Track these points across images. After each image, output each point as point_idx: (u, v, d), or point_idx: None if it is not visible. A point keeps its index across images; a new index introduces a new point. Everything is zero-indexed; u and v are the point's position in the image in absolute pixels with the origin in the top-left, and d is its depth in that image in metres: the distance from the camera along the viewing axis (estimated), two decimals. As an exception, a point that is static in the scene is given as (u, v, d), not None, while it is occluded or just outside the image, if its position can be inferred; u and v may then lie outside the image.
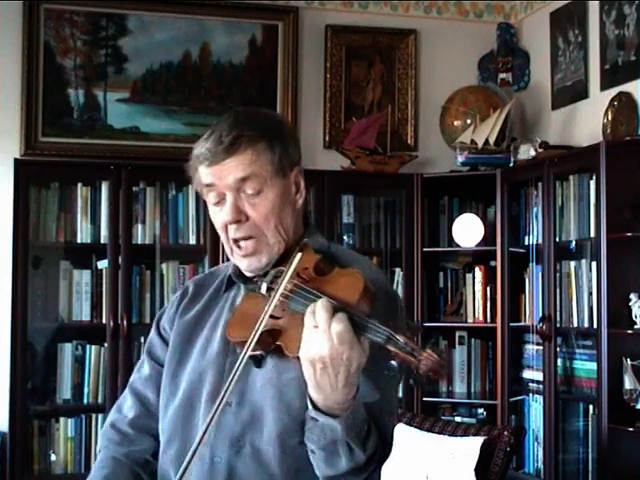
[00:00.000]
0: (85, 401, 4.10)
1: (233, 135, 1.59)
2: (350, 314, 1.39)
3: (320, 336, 1.37)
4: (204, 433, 1.45)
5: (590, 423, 3.78)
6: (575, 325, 3.85)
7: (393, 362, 1.35)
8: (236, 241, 1.63)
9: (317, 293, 1.46)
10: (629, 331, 3.52)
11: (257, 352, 1.51)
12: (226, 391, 1.46)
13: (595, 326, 3.64)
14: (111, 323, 4.03)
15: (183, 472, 1.44)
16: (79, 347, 4.13)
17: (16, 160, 4.04)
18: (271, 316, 1.50)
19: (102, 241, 4.12)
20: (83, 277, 4.12)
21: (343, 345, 1.36)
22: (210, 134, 1.63)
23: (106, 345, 4.08)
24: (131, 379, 1.81)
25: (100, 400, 4.09)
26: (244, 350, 1.47)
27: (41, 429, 4.06)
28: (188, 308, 1.77)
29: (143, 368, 1.80)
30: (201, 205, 4.23)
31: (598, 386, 3.57)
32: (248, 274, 1.67)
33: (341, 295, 1.43)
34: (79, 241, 4.13)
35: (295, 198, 1.67)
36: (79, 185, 4.14)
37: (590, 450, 3.76)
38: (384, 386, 1.53)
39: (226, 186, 1.60)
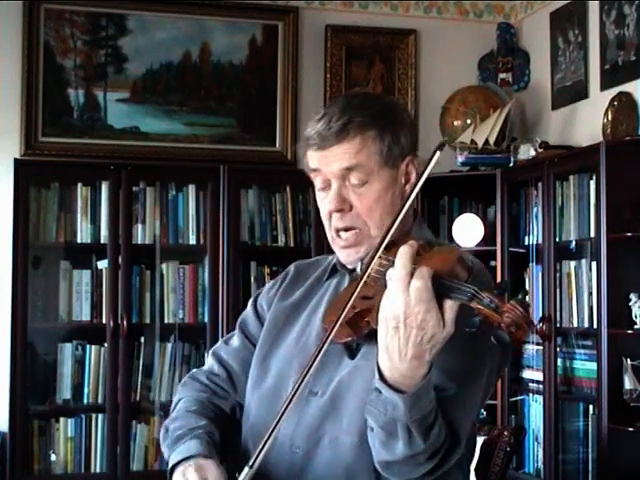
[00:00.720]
0: (85, 401, 4.10)
1: (343, 120, 1.54)
2: (435, 274, 1.32)
3: (396, 291, 1.31)
4: (280, 417, 1.40)
5: (590, 423, 3.78)
6: (575, 325, 3.85)
7: (475, 319, 1.27)
8: (337, 231, 1.58)
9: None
10: (629, 331, 3.52)
11: (349, 338, 1.46)
12: (304, 375, 1.40)
13: (595, 326, 3.64)
14: (111, 323, 4.03)
15: (256, 456, 1.40)
16: (79, 347, 4.13)
17: (16, 160, 4.04)
18: (364, 297, 1.43)
19: (102, 241, 4.11)
20: (83, 277, 4.12)
21: (420, 304, 1.29)
22: (322, 116, 1.57)
23: (106, 345, 4.07)
24: (214, 348, 1.79)
25: (100, 400, 4.09)
26: (329, 330, 1.41)
27: (41, 429, 4.06)
28: (288, 292, 1.73)
29: (232, 340, 1.77)
30: (201, 205, 4.23)
31: (598, 386, 3.57)
32: (349, 266, 1.62)
33: (433, 266, 1.35)
34: (79, 241, 4.13)
35: (404, 189, 1.60)
36: (79, 185, 4.14)
37: (590, 450, 3.76)
38: (465, 377, 1.46)
39: (331, 173, 1.56)
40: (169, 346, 4.19)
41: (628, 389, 3.49)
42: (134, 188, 4.16)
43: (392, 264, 1.39)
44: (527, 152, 4.17)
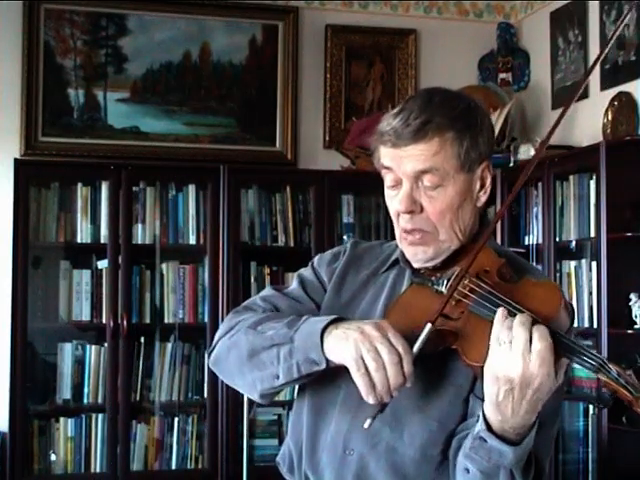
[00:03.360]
0: (85, 401, 4.10)
1: (421, 119, 1.47)
2: (554, 332, 1.26)
3: (515, 354, 1.25)
4: (435, 318, 1.35)
5: (590, 423, 3.78)
6: (575, 325, 3.83)
7: (605, 392, 1.24)
8: (405, 231, 1.52)
9: (508, 300, 1.34)
10: (629, 331, 3.52)
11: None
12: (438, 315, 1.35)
13: (595, 326, 3.64)
14: (111, 323, 4.03)
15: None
16: (79, 347, 4.13)
17: (16, 160, 4.04)
18: (445, 315, 1.39)
19: (102, 241, 4.11)
20: (83, 277, 4.12)
21: (540, 368, 1.25)
22: (399, 111, 1.51)
23: (106, 345, 4.07)
24: (266, 293, 1.66)
25: (100, 400, 4.09)
26: (416, 346, 1.36)
27: (41, 429, 4.06)
28: (341, 281, 1.64)
29: (289, 291, 1.66)
30: (201, 205, 4.23)
31: (598, 386, 3.57)
32: (414, 264, 1.56)
33: (535, 306, 1.31)
34: (79, 241, 4.13)
35: (478, 195, 1.53)
36: (79, 185, 4.14)
37: (590, 450, 3.76)
38: (549, 417, 1.43)
39: (404, 173, 1.49)
40: (169, 346, 4.19)
41: (628, 389, 3.49)
42: (134, 188, 4.16)
43: (484, 291, 1.35)
44: (527, 152, 4.17)
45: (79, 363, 4.11)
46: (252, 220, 4.28)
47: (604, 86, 4.00)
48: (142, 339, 4.15)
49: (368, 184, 4.58)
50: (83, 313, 4.11)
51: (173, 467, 4.16)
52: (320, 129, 4.57)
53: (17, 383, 3.93)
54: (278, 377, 1.46)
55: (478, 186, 1.52)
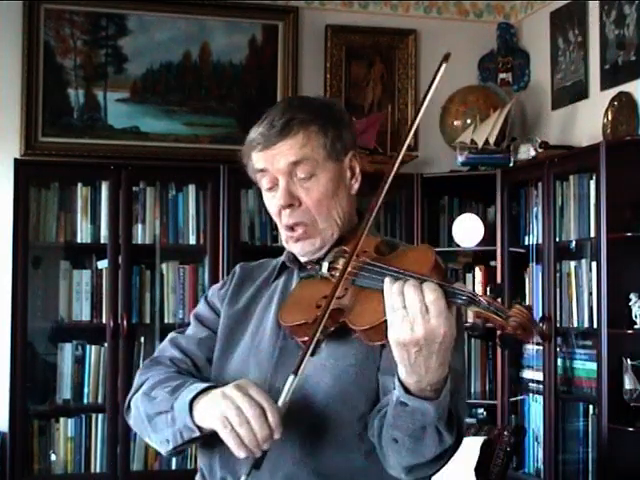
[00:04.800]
0: (85, 401, 4.10)
1: (285, 118, 1.58)
2: (437, 282, 1.32)
3: (413, 316, 1.29)
4: (297, 368, 1.40)
5: (590, 423, 3.78)
6: (575, 325, 3.85)
7: (477, 321, 1.29)
8: (289, 227, 1.62)
9: (386, 266, 1.42)
10: (629, 331, 3.52)
11: (316, 337, 1.46)
12: (297, 368, 1.40)
13: (595, 326, 3.64)
14: (111, 323, 4.03)
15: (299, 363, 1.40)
16: (79, 347, 4.13)
17: (16, 160, 4.04)
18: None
19: (102, 241, 4.11)
20: (83, 277, 4.12)
21: (440, 318, 1.29)
22: (263, 120, 1.62)
23: (106, 345, 4.07)
24: (171, 336, 1.75)
25: (100, 400, 4.09)
26: (315, 331, 1.41)
27: (41, 429, 4.06)
28: (235, 297, 1.74)
29: (188, 331, 1.75)
30: (201, 205, 4.23)
31: (598, 386, 3.57)
32: (302, 259, 1.65)
33: (412, 268, 1.37)
34: (79, 241, 4.13)
35: (350, 183, 1.66)
36: (79, 185, 4.14)
37: (590, 450, 3.76)
38: (460, 374, 1.50)
39: (278, 170, 1.59)
40: (169, 346, 4.19)
41: (628, 389, 3.49)
42: (134, 188, 4.16)
43: (366, 265, 1.43)
44: (527, 152, 4.17)
45: (79, 363, 4.11)
46: (252, 220, 4.28)
47: (604, 86, 4.00)
48: (142, 339, 4.15)
49: (368, 184, 4.61)
50: (83, 313, 4.11)
51: (173, 467, 4.16)
52: (320, 129, 4.56)
53: (17, 383, 3.93)
54: (168, 441, 1.55)
55: (349, 175, 1.66)
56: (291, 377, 1.40)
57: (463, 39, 4.73)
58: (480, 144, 4.33)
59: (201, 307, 1.79)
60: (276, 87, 4.49)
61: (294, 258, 1.68)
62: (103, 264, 4.12)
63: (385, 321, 1.35)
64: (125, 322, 4.03)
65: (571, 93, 4.26)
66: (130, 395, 1.69)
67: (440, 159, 4.61)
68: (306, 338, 1.46)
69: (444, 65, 1.53)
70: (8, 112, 4.18)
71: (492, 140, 4.32)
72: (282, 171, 1.59)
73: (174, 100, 4.40)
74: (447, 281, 1.36)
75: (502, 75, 4.69)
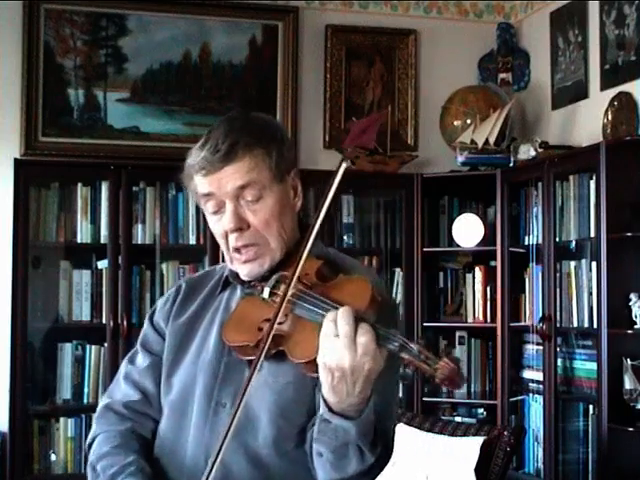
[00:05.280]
0: (85, 401, 4.10)
1: (229, 142, 1.57)
2: (370, 323, 1.38)
3: (342, 346, 1.35)
4: (222, 443, 1.43)
5: (590, 423, 3.78)
6: (575, 325, 3.85)
7: (408, 370, 1.34)
8: (237, 249, 1.61)
9: (324, 299, 1.45)
10: (629, 331, 3.52)
11: (254, 357, 1.51)
12: (240, 401, 1.44)
13: (595, 326, 3.64)
14: (111, 323, 4.04)
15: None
16: (79, 347, 4.13)
17: (16, 160, 4.04)
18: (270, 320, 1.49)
19: (102, 241, 4.12)
20: (83, 277, 4.12)
21: (366, 356, 1.35)
22: (204, 142, 1.60)
23: (106, 345, 4.08)
24: (124, 371, 1.78)
25: (100, 400, 4.08)
26: (258, 358, 1.45)
27: (41, 429, 4.06)
28: (182, 309, 1.76)
29: (137, 360, 1.78)
30: (201, 205, 4.23)
31: (598, 386, 3.57)
32: (244, 278, 1.66)
33: (349, 301, 1.42)
34: (79, 241, 4.13)
35: (294, 202, 1.68)
36: (79, 185, 4.14)
37: (590, 450, 3.76)
38: (388, 391, 1.54)
39: (225, 194, 1.58)
40: (169, 346, 4.19)
41: (628, 389, 3.49)
42: (134, 188, 4.16)
43: (304, 294, 1.47)
44: (527, 152, 4.17)
45: (79, 363, 4.12)
46: (252, 220, 4.27)
47: (604, 86, 4.00)
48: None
49: (368, 184, 4.62)
50: (83, 313, 4.11)
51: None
52: (320, 129, 4.57)
53: (17, 383, 3.93)
54: None
55: (292, 194, 1.67)
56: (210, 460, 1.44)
57: (463, 39, 4.73)
58: (480, 144, 4.33)
59: (146, 331, 1.80)
60: (276, 87, 4.49)
61: (237, 275, 1.68)
62: (103, 264, 4.12)
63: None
64: (125, 322, 4.03)
65: (571, 93, 4.26)
66: (87, 442, 1.74)
67: (440, 159, 4.61)
68: (248, 357, 1.52)
69: (344, 165, 1.56)
70: (8, 112, 4.18)
71: (492, 140, 4.32)
72: (229, 195, 1.58)
73: (174, 100, 4.40)
74: (387, 318, 1.42)
75: (502, 75, 4.69)
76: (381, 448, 1.48)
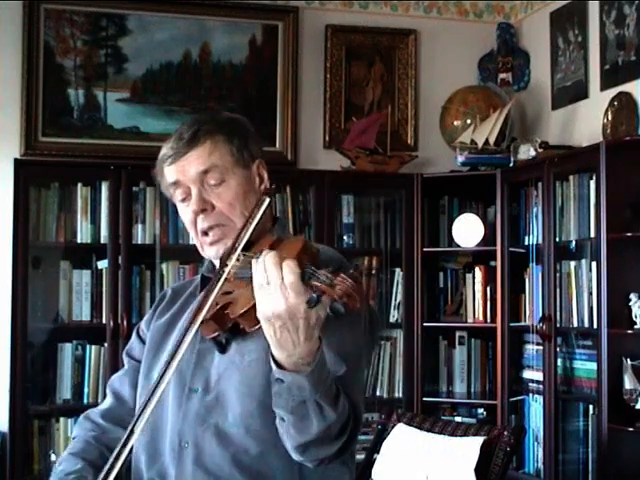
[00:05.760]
0: (85, 401, 4.10)
1: (192, 130, 1.68)
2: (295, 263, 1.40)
3: (274, 291, 1.37)
4: (143, 406, 1.45)
5: (590, 423, 3.78)
6: (575, 325, 3.85)
7: (314, 294, 1.35)
8: (205, 232, 1.68)
9: (257, 256, 1.48)
10: (629, 331, 3.52)
11: (216, 333, 1.57)
12: (172, 357, 1.46)
13: (595, 326, 3.64)
14: (111, 323, 4.04)
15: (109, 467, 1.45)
16: (79, 347, 4.13)
17: (16, 160, 4.04)
18: (225, 293, 1.53)
19: (102, 241, 4.11)
20: (83, 277, 4.12)
21: (299, 296, 1.35)
22: (172, 136, 1.72)
23: (106, 345, 4.08)
24: (110, 380, 1.91)
25: (100, 400, 4.08)
26: (189, 323, 1.49)
27: (41, 429, 4.06)
28: (164, 312, 1.84)
29: (123, 369, 1.90)
30: (201, 205, 4.23)
31: (598, 386, 3.57)
32: (216, 262, 1.71)
33: (285, 254, 1.44)
34: (79, 241, 4.13)
35: (260, 188, 1.73)
36: (79, 185, 4.14)
37: (590, 450, 3.76)
38: (352, 357, 1.56)
39: (190, 179, 1.68)
40: (169, 346, 4.19)
41: (628, 389, 3.49)
42: (134, 188, 4.16)
43: (252, 261, 1.48)
44: (527, 152, 4.17)
45: (79, 363, 4.12)
46: (252, 220, 4.27)
47: (604, 86, 4.00)
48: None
49: (368, 184, 4.62)
50: (83, 313, 4.11)
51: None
52: (320, 129, 4.57)
53: (17, 383, 3.93)
54: None
55: (257, 181, 1.74)
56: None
57: (463, 39, 4.73)
58: (480, 144, 4.33)
59: (132, 340, 1.91)
60: (276, 87, 4.49)
61: (212, 267, 1.75)
62: (103, 264, 4.12)
63: (254, 304, 1.43)
64: (125, 322, 4.03)
65: (571, 93, 4.26)
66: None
67: (440, 159, 4.61)
68: (211, 335, 1.57)
69: (267, 200, 1.60)
70: (8, 112, 4.18)
71: (492, 140, 4.32)
72: (193, 179, 1.67)
73: (174, 100, 4.40)
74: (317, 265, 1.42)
75: (502, 75, 4.69)
76: (347, 410, 1.49)
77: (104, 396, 4.21)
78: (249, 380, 1.59)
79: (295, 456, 1.53)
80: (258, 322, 1.44)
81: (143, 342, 1.85)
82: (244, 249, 1.62)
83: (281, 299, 1.36)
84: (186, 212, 1.71)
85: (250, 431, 1.59)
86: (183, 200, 1.72)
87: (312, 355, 1.41)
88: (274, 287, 1.37)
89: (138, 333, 1.89)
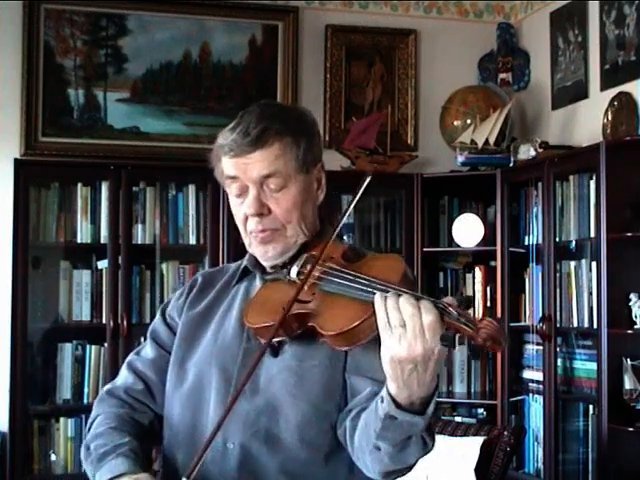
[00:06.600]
0: (85, 401, 4.09)
1: (260, 128, 1.59)
2: (430, 299, 1.32)
3: (412, 336, 1.29)
4: (221, 422, 1.42)
5: (590, 423, 3.78)
6: (575, 325, 3.84)
7: (448, 332, 1.29)
8: (255, 232, 1.63)
9: (355, 273, 1.44)
10: (629, 331, 3.52)
11: (280, 338, 1.51)
12: (248, 377, 1.43)
13: (595, 326, 3.64)
14: (111, 323, 4.03)
15: (198, 460, 1.41)
16: (79, 347, 4.13)
17: (16, 160, 4.04)
18: (297, 300, 1.47)
19: (102, 241, 4.11)
20: (83, 277, 4.12)
21: (435, 338, 1.28)
22: (236, 125, 1.63)
23: (106, 345, 4.08)
24: (128, 359, 1.82)
25: (100, 399, 4.09)
26: (270, 333, 1.44)
27: (41, 429, 4.06)
28: (196, 300, 1.76)
29: (144, 351, 1.80)
30: (201, 205, 4.23)
31: (598, 386, 3.57)
32: (265, 263, 1.67)
33: (382, 276, 1.39)
34: (79, 241, 4.13)
35: (317, 194, 1.69)
36: (79, 185, 4.14)
37: (590, 450, 3.76)
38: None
39: (249, 179, 1.60)
40: (169, 346, 4.19)
41: (628, 389, 3.49)
42: (134, 188, 4.16)
43: (333, 270, 1.45)
44: (527, 152, 4.17)
45: (79, 363, 4.11)
46: (252, 220, 4.27)
47: (604, 86, 4.00)
48: (142, 339, 4.14)
49: (368, 184, 4.61)
50: (83, 313, 4.11)
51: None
52: (320, 129, 4.56)
53: (17, 383, 3.93)
54: None
55: (315, 186, 1.68)
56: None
57: (463, 39, 4.73)
58: (480, 144, 4.33)
59: (157, 322, 1.81)
60: (276, 87, 4.49)
61: (257, 262, 1.69)
62: (103, 264, 4.12)
63: (353, 328, 1.38)
64: (125, 322, 4.03)
65: (571, 93, 4.26)
66: (87, 427, 1.73)
67: (440, 159, 4.61)
68: (280, 338, 1.51)
69: (369, 177, 1.62)
70: (8, 112, 4.17)
71: (492, 140, 4.32)
72: (254, 181, 1.60)
73: (174, 100, 4.40)
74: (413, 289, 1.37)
75: (502, 75, 4.69)
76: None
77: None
78: (307, 386, 1.54)
79: (371, 475, 1.49)
80: (350, 344, 1.39)
81: (170, 328, 1.77)
82: (303, 250, 1.59)
83: (418, 343, 1.29)
84: (239, 208, 1.65)
85: (304, 439, 1.53)
86: (238, 196, 1.64)
87: (430, 395, 1.36)
88: (412, 331, 1.29)
89: (165, 318, 1.79)
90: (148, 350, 1.79)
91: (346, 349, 1.44)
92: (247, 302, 1.64)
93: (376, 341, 1.36)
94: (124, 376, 1.78)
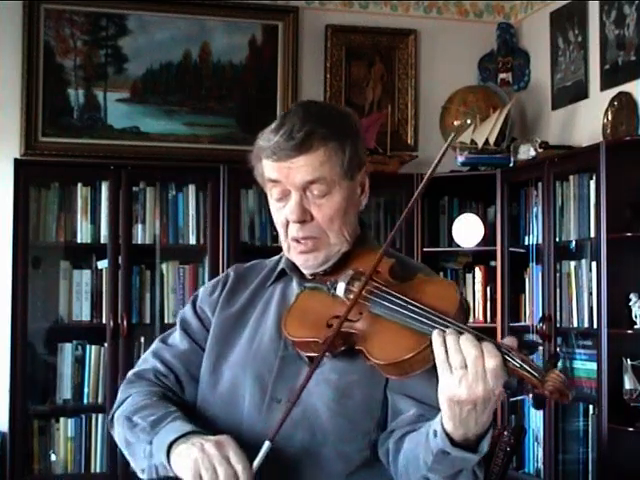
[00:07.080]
0: (85, 401, 4.10)
1: (305, 131, 1.51)
2: (494, 342, 1.28)
3: (474, 379, 1.26)
4: (274, 435, 1.39)
5: (590, 423, 3.78)
6: (575, 325, 3.84)
7: (513, 380, 1.27)
8: (296, 240, 1.57)
9: (407, 300, 1.39)
10: (629, 331, 3.52)
11: (324, 355, 1.45)
12: (297, 397, 1.40)
13: (595, 326, 3.64)
14: (111, 323, 4.03)
15: (276, 431, 1.39)
16: (79, 347, 4.13)
17: (16, 160, 4.04)
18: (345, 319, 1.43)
19: (102, 241, 4.12)
20: (83, 277, 4.12)
21: (497, 382, 1.26)
22: (279, 126, 1.56)
23: (106, 345, 4.07)
24: (155, 347, 1.72)
25: (100, 400, 4.09)
26: (322, 354, 1.41)
27: (41, 429, 4.06)
28: (230, 299, 1.70)
29: (173, 339, 1.71)
30: (201, 205, 4.23)
31: (598, 386, 3.57)
32: (305, 271, 1.61)
33: (437, 305, 1.35)
34: (79, 241, 4.13)
35: (360, 199, 1.63)
36: (79, 185, 4.14)
37: (590, 450, 3.76)
38: None
39: (292, 184, 1.53)
40: (169, 346, 4.19)
41: (628, 389, 3.49)
42: (134, 188, 4.16)
43: (382, 292, 1.40)
44: (527, 152, 4.17)
45: (79, 363, 4.11)
46: (252, 220, 4.28)
47: (604, 86, 4.00)
48: (142, 339, 4.15)
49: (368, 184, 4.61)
50: (83, 313, 4.11)
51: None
52: (320, 129, 4.56)
53: (17, 383, 3.93)
54: (143, 471, 1.52)
55: (359, 191, 1.62)
56: (267, 444, 1.39)
57: (463, 39, 4.73)
58: (480, 144, 4.33)
59: (188, 313, 1.74)
60: (276, 87, 4.48)
61: (295, 266, 1.64)
62: (103, 264, 4.12)
63: (407, 359, 1.33)
64: (125, 322, 4.03)
65: (571, 93, 4.26)
66: (113, 410, 1.66)
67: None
68: (310, 354, 1.46)
69: (452, 135, 1.50)
70: (8, 112, 4.17)
71: (492, 140, 4.32)
72: (297, 186, 1.53)
73: (174, 100, 4.40)
74: (461, 319, 1.33)
75: (502, 75, 4.69)
76: None
77: (104, 396, 4.23)
78: (345, 400, 1.50)
79: None
80: (402, 374, 1.36)
81: (201, 321, 1.70)
82: (341, 262, 1.54)
83: (480, 386, 1.26)
84: (280, 213, 1.57)
85: (341, 454, 1.50)
86: (279, 200, 1.57)
87: (485, 432, 1.34)
88: (473, 374, 1.26)
89: (196, 310, 1.72)
90: (177, 340, 1.70)
91: (396, 379, 1.40)
92: (285, 309, 1.58)
93: None
94: (151, 362, 1.69)
